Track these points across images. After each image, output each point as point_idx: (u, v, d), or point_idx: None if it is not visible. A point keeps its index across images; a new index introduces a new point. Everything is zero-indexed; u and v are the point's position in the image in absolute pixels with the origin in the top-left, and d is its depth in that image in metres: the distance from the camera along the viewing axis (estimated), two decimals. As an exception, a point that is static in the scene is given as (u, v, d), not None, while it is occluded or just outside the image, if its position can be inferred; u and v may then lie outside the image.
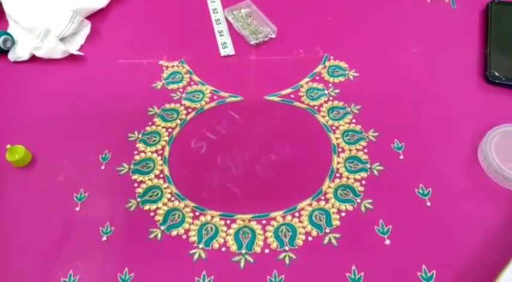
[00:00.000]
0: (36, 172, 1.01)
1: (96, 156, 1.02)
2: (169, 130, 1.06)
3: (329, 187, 0.95)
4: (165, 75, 1.17)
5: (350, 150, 1.00)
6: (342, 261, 0.85)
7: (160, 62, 1.20)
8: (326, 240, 0.87)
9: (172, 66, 1.19)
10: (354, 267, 0.83)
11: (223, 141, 1.03)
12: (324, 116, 1.06)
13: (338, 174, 0.96)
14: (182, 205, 0.94)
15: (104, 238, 0.90)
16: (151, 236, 0.90)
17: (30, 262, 0.88)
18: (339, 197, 0.93)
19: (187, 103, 1.11)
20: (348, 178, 0.96)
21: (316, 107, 1.08)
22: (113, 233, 0.91)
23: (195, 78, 1.16)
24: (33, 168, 1.02)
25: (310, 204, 0.92)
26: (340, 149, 1.00)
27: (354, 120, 1.05)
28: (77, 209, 0.95)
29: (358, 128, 1.04)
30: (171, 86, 1.14)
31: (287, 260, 0.85)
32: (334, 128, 1.04)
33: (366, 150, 1.00)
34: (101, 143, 1.04)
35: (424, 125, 1.03)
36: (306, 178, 0.96)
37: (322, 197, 0.93)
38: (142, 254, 0.88)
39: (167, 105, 1.11)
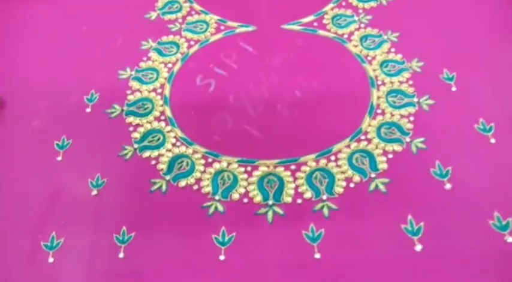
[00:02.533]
0: (6, 119, 0.81)
1: (80, 97, 0.83)
2: (169, 66, 0.87)
3: (370, 125, 0.77)
4: (159, 4, 0.97)
5: (391, 82, 0.82)
6: (393, 211, 0.68)
7: (154, -10, 1.00)
8: (372, 186, 0.70)
9: (169, -5, 0.99)
10: (410, 217, 0.67)
11: (236, 77, 0.85)
12: (355, 46, 0.88)
13: (379, 111, 0.79)
14: (190, 151, 0.75)
15: (94, 192, 0.72)
16: (154, 187, 0.72)
17: (2, 224, 0.69)
18: (384, 136, 0.75)
19: (189, 35, 0.91)
20: (392, 114, 0.78)
21: (345, 36, 0.89)
22: (105, 186, 0.72)
23: (196, 6, 0.96)
24: (1, 115, 0.82)
25: (348, 146, 0.75)
26: (379, 82, 0.83)
27: (393, 49, 0.87)
28: (59, 158, 0.76)
29: (398, 57, 0.86)
30: (167, 17, 0.95)
31: (326, 211, 0.68)
32: (369, 58, 0.86)
33: (410, 82, 0.82)
34: (86, 83, 0.85)
35: (477, 50, 0.85)
36: (340, 116, 0.79)
37: (363, 137, 0.76)
38: (142, 210, 0.70)
39: (164, 38, 0.91)
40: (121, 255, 0.66)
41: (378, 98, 0.80)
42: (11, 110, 0.82)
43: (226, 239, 0.66)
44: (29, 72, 0.88)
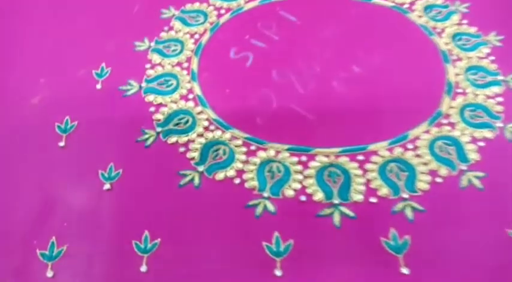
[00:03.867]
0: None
1: (88, 71, 0.67)
2: (196, 36, 0.71)
3: (451, 107, 0.62)
4: (182, -31, 0.81)
5: (469, 58, 0.67)
6: (494, 211, 0.53)
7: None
8: (464, 181, 0.55)
9: (192, -41, 0.84)
10: (517, 220, 0.51)
11: (278, 49, 0.69)
12: (420, 16, 0.73)
13: (460, 90, 0.63)
14: (228, 136, 0.59)
15: (107, 185, 0.55)
16: (184, 180, 0.56)
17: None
18: (469, 120, 0.60)
19: (218, 2, 0.76)
20: (475, 94, 0.63)
21: (406, 5, 0.74)
22: (121, 178, 0.56)
23: (226, -29, 0.81)
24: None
25: (427, 131, 0.59)
26: (454, 57, 0.67)
27: (464, 21, 0.72)
28: (61, 144, 0.59)
29: (472, 30, 0.71)
30: (192, -18, 0.79)
31: (409, 213, 0.52)
32: (438, 30, 0.71)
33: (492, 58, 0.67)
34: (94, 55, 0.69)
35: None
36: (410, 95, 0.64)
37: (444, 121, 0.60)
38: (170, 209, 0.54)
39: (188, 6, 0.76)
40: (143, 268, 0.50)
41: (456, 75, 0.65)
42: (2, 85, 0.66)
43: (282, 248, 0.50)
44: (26, 41, 0.71)
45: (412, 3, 0.75)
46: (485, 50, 0.69)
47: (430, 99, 0.63)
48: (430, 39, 0.70)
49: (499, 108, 0.62)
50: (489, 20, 0.72)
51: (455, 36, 0.71)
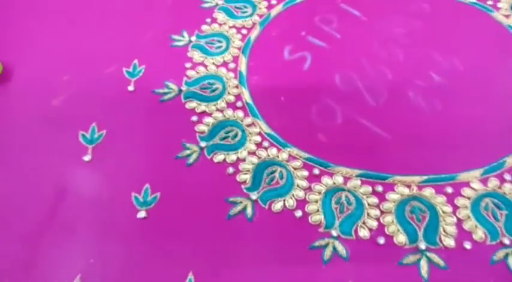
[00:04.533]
0: (10, 94, 0.55)
1: (118, 69, 0.57)
2: (243, 31, 0.61)
3: (555, 129, 0.51)
4: (225, -49, 0.70)
5: None
6: None
7: None
8: None
9: None
10: None
11: (341, 50, 0.59)
12: (507, 15, 0.61)
13: None
14: (285, 156, 0.49)
15: (142, 213, 0.46)
16: (235, 210, 0.46)
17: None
18: None
19: (268, -9, 0.65)
20: None
21: (490, 2, 0.63)
22: (157, 205, 0.46)
23: (277, -44, 0.70)
24: (9, 87, 0.56)
25: (528, 158, 0.49)
26: (552, 65, 0.56)
27: (562, 22, 0.60)
28: (86, 158, 0.50)
29: None
30: (237, -33, 0.68)
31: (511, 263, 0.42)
32: (531, 33, 0.60)
33: None
34: (125, 50, 0.59)
35: None
36: (503, 112, 0.53)
37: (548, 146, 0.49)
38: (217, 244, 0.44)
39: (234, -6, 0.65)
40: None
41: (557, 89, 0.54)
42: (18, 83, 0.56)
43: (358, 304, 0.41)
44: (48, 36, 0.61)
45: (496, 1, 0.64)
46: None
47: (528, 118, 0.52)
48: (519, 41, 0.59)
49: None
50: None
51: (551, 41, 0.59)
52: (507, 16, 0.62)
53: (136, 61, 0.58)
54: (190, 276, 0.43)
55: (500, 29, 0.61)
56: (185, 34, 0.61)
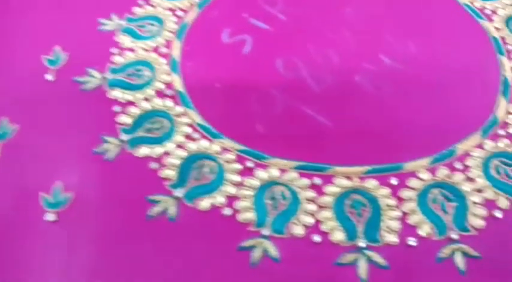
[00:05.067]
0: None
1: (37, 58, 0.51)
2: (179, 13, 0.56)
3: (509, 113, 0.47)
4: None
5: (529, 48, 0.52)
6: None
7: None
8: (533, 217, 0.40)
9: None
10: None
11: (285, 32, 0.54)
12: (465, -5, 0.57)
13: (520, 90, 0.49)
14: (217, 148, 0.44)
15: (50, 216, 0.41)
16: (156, 210, 0.41)
17: None
18: (535, 131, 0.46)
19: (210, -29, 0.60)
20: (542, 96, 0.48)
21: (446, -20, 0.59)
22: (70, 206, 0.41)
23: None
24: None
25: (479, 145, 0.45)
26: (510, 47, 0.52)
27: (520, 0, 0.57)
28: (-8, 155, 0.44)
29: (531, 12, 0.56)
30: None
31: (459, 260, 0.38)
32: (487, 11, 0.56)
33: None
34: (47, 36, 0.53)
35: None
36: (456, 96, 0.49)
37: (501, 132, 0.46)
38: (134, 251, 0.39)
39: (172, -25, 0.59)
40: None
41: (514, 70, 0.50)
42: None
43: (288, 311, 0.36)
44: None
45: (453, -23, 0.60)
46: (552, 37, 0.54)
47: (481, 102, 0.48)
48: (478, 23, 0.55)
49: None
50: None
51: (509, 20, 0.56)
52: (465, -5, 0.58)
53: (58, 48, 0.53)
54: (100, 285, 0.38)
55: (456, 8, 0.57)
56: (114, 18, 0.55)
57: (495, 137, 0.46)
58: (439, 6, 0.57)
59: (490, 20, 0.56)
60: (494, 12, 0.57)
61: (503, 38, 0.54)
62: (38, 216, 0.41)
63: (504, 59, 0.52)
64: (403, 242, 0.40)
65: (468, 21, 0.56)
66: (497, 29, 0.55)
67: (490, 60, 0.52)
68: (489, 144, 0.45)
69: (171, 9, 0.57)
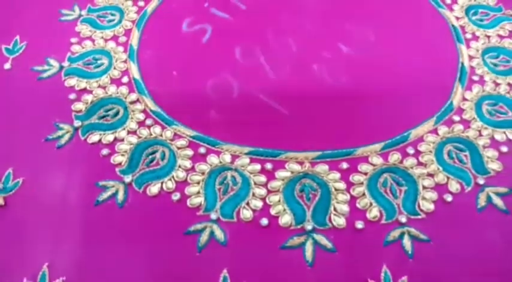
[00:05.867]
0: None
1: (-6, 47, 0.51)
2: (140, 4, 0.56)
3: (465, 99, 0.47)
4: None
5: (488, 36, 0.52)
6: (524, 245, 0.38)
7: None
8: (482, 200, 0.41)
9: None
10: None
11: (245, 22, 0.54)
12: (425, -17, 0.58)
13: (476, 77, 0.49)
14: (169, 134, 0.44)
15: (-3, 202, 0.40)
16: (104, 195, 0.41)
17: None
18: (488, 116, 0.46)
19: (174, -37, 0.60)
20: (496, 83, 0.48)
21: (408, -30, 0.59)
22: (19, 190, 0.41)
23: None
24: None
25: (434, 131, 0.45)
26: (469, 35, 0.53)
27: (481, -10, 0.57)
28: None
29: (492, 2, 0.56)
30: None
31: (407, 243, 0.38)
32: (448, 1, 0.56)
33: (517, 37, 0.52)
34: (7, 26, 0.53)
35: None
36: (413, 84, 0.49)
37: (456, 117, 0.46)
38: (81, 235, 0.39)
39: (136, -34, 0.60)
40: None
41: (471, 58, 0.50)
42: None
43: (231, 294, 0.36)
44: None
45: (415, -32, 0.60)
46: (509, 26, 0.54)
47: (438, 89, 0.49)
48: (438, 12, 0.55)
49: (527, 101, 0.47)
50: (512, -10, 0.57)
51: (469, 9, 0.56)
52: (425, -15, 0.58)
53: (17, 37, 0.52)
54: (45, 269, 0.37)
55: (421, 0, 0.57)
56: (76, 8, 0.55)
57: (450, 123, 0.46)
58: (400, -3, 0.57)
59: (451, 9, 0.56)
60: (454, 1, 0.57)
61: (462, 27, 0.54)
62: (-15, 201, 0.41)
63: (463, 47, 0.52)
64: (351, 225, 0.40)
65: (429, 10, 0.56)
66: (457, 18, 0.55)
67: (449, 48, 0.52)
68: (443, 130, 0.45)
69: (132, 0, 0.57)
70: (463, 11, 0.56)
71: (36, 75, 0.50)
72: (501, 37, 0.53)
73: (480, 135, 0.45)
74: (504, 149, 0.44)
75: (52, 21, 0.55)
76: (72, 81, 0.49)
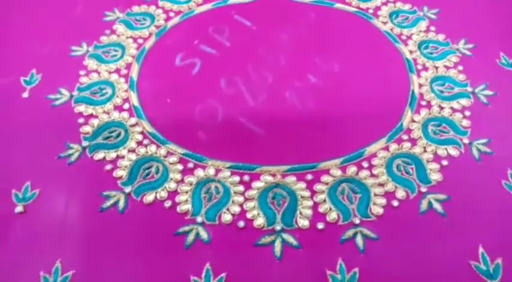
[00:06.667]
0: None
1: (15, 79, 0.60)
2: (139, 41, 0.65)
3: (413, 121, 0.56)
4: (132, -30, 0.75)
5: (436, 67, 0.62)
6: (457, 241, 0.46)
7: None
8: (424, 205, 0.49)
9: (144, -41, 0.78)
10: (481, 249, 0.45)
11: (229, 56, 0.63)
12: (385, 22, 0.67)
13: (424, 102, 0.58)
14: (163, 152, 0.53)
15: (19, 208, 0.48)
16: (107, 203, 0.49)
17: None
18: (433, 135, 0.54)
19: (168, 5, 0.70)
20: (441, 107, 0.57)
21: (370, 11, 0.69)
22: (36, 200, 0.49)
23: (180, -27, 0.75)
24: None
25: (386, 148, 0.53)
26: (419, 66, 0.62)
27: (432, 28, 0.67)
28: (-29, 159, 0.52)
29: (441, 38, 0.65)
30: (141, -16, 0.73)
31: (360, 241, 0.46)
32: (404, 37, 0.66)
33: (460, 68, 0.61)
34: (26, 60, 0.62)
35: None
36: (370, 108, 0.58)
37: (405, 136, 0.54)
38: (89, 237, 0.47)
39: (135, 8, 0.70)
40: (48, 308, 0.43)
41: (420, 86, 0.60)
42: None
43: (212, 283, 0.44)
44: None
45: (377, 9, 0.70)
46: (454, 58, 0.63)
47: (391, 113, 0.57)
48: (395, 47, 0.65)
49: (466, 122, 0.56)
50: (459, 26, 0.67)
51: (422, 44, 0.65)
52: (385, 23, 0.68)
53: (34, 70, 0.61)
54: (58, 264, 0.45)
55: (378, 34, 0.67)
56: (84, 45, 0.65)
57: (399, 141, 0.55)
58: (363, 33, 0.67)
59: (406, 44, 0.65)
60: (409, 37, 0.66)
61: (415, 59, 0.63)
62: (10, 208, 0.49)
63: (414, 77, 0.61)
64: (313, 226, 0.48)
65: (386, 45, 0.65)
66: (411, 51, 0.64)
67: (402, 77, 0.61)
68: (393, 147, 0.54)
69: (132, 37, 0.66)
70: (416, 45, 0.65)
71: (50, 102, 0.58)
72: (447, 68, 0.62)
73: (425, 151, 0.53)
74: (444, 162, 0.52)
75: (63, 56, 0.64)
76: (80, 108, 0.57)
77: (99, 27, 0.67)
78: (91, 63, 0.62)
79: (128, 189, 0.50)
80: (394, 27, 0.67)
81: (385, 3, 0.71)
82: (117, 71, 0.62)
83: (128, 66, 0.62)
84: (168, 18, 0.69)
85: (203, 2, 0.71)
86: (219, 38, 0.66)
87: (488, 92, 0.59)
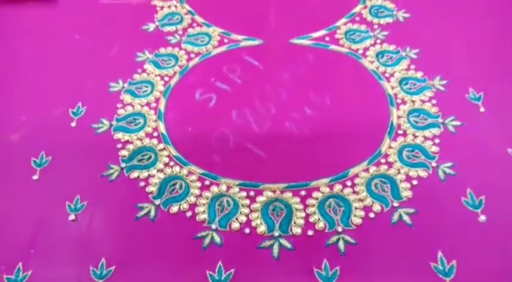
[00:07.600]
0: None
1: (65, 110, 0.74)
2: (166, 78, 0.79)
3: (390, 147, 0.68)
4: (159, 16, 0.90)
5: (413, 101, 0.74)
6: (420, 246, 0.58)
7: (153, 2, 0.93)
8: (395, 217, 0.60)
9: (169, 7, 0.92)
10: (440, 253, 0.56)
11: (239, 91, 0.76)
12: (371, 62, 0.80)
13: (401, 131, 0.70)
14: (185, 172, 0.66)
15: (71, 216, 0.62)
16: (141, 213, 0.62)
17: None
18: (406, 159, 0.66)
19: (189, 47, 0.83)
20: (415, 136, 0.69)
21: (360, 51, 0.81)
22: (85, 210, 0.62)
23: (198, 19, 0.89)
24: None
25: (366, 170, 0.65)
26: (399, 100, 0.74)
27: (412, 66, 0.79)
28: (35, 177, 0.66)
29: (419, 75, 0.77)
30: (167, 28, 0.87)
31: (341, 245, 0.58)
32: (387, 75, 0.78)
33: (434, 102, 0.73)
34: (73, 94, 0.76)
35: (506, 67, 0.77)
36: (356, 136, 0.70)
37: (383, 160, 0.66)
38: (126, 239, 0.60)
39: (162, 50, 0.83)
40: (97, 294, 0.55)
41: (398, 117, 0.71)
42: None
43: (224, 276, 0.56)
44: (9, 81, 0.79)
45: (366, 49, 0.82)
46: (429, 93, 0.75)
47: (373, 140, 0.69)
48: (379, 83, 0.77)
49: (435, 149, 0.67)
50: (435, 65, 0.79)
51: (402, 81, 0.77)
52: (372, 62, 0.80)
53: (80, 103, 0.75)
54: (103, 260, 0.58)
55: (365, 72, 0.79)
56: (120, 82, 0.79)
57: (378, 164, 0.66)
58: (352, 71, 0.79)
59: (388, 80, 0.78)
60: (392, 75, 0.78)
61: (396, 94, 0.75)
62: (64, 216, 0.62)
63: (394, 109, 0.73)
64: (305, 233, 0.60)
65: (372, 81, 0.77)
66: (392, 87, 0.76)
67: (384, 110, 0.73)
68: (373, 169, 0.66)
69: (160, 76, 0.80)
70: (397, 82, 0.77)
71: (94, 131, 0.72)
72: (423, 101, 0.74)
73: (399, 172, 0.65)
74: (415, 182, 0.64)
75: (103, 91, 0.78)
76: (118, 135, 0.71)
77: (132, 66, 0.81)
78: (126, 98, 0.76)
79: (157, 202, 0.63)
80: (380, 66, 0.80)
81: (373, 45, 0.83)
82: (148, 104, 0.75)
83: (157, 100, 0.76)
84: (189, 59, 0.82)
85: (218, 45, 0.84)
86: (231, 76, 0.79)
87: (457, 123, 0.70)
